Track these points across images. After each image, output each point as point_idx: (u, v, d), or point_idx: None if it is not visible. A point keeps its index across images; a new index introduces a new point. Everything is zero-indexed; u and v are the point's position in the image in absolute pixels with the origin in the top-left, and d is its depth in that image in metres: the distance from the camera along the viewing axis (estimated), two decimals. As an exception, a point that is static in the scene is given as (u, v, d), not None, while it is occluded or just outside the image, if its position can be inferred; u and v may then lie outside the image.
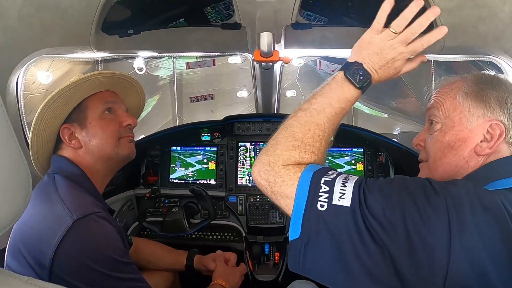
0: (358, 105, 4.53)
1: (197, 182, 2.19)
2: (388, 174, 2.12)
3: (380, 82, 1.04)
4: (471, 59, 1.72)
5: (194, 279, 1.77)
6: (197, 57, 3.89)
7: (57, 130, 1.30)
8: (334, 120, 0.98)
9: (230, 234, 2.14)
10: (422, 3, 0.98)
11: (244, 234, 2.07)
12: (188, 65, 4.24)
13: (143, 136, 2.24)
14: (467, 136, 0.97)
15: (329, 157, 2.16)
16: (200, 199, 1.91)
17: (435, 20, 1.37)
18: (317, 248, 0.80)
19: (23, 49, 1.34)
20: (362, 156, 2.17)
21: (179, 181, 2.20)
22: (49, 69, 3.31)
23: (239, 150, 2.24)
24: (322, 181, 0.83)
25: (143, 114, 1.82)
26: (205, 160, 2.23)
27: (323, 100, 0.97)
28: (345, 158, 2.17)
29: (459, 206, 0.75)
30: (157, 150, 2.24)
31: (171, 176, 2.21)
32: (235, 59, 3.70)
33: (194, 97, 4.34)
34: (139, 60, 3.65)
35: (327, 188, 0.81)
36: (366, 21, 1.54)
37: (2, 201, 0.56)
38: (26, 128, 1.66)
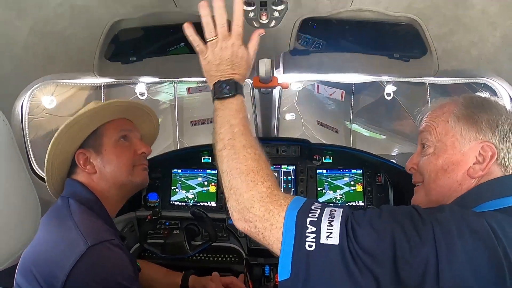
0: (356, 127, 4.61)
1: (198, 204, 2.20)
2: (387, 195, 2.14)
3: (246, 75, 1.10)
4: (465, 81, 1.77)
5: None
6: (197, 82, 3.98)
7: (73, 155, 1.32)
8: (247, 132, 1.01)
9: (230, 256, 2.12)
10: (203, 4, 1.05)
11: (244, 256, 2.06)
12: (189, 90, 4.33)
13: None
14: (460, 159, 0.98)
15: (329, 179, 2.18)
16: (200, 222, 1.91)
17: (429, 45, 1.44)
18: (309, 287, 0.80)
19: (28, 76, 1.39)
20: (361, 177, 2.19)
21: (180, 204, 2.21)
22: (53, 93, 3.39)
23: (240, 172, 2.25)
24: (308, 221, 0.82)
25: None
26: (205, 183, 2.24)
27: (226, 128, 1.01)
28: (345, 179, 2.19)
29: (446, 233, 0.77)
30: (158, 172, 2.26)
31: (172, 199, 2.22)
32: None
33: (195, 120, 4.41)
34: (141, 85, 3.73)
35: (314, 229, 0.81)
36: (360, 47, 1.61)
37: (13, 228, 0.57)
38: (31, 152, 1.70)
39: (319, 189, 2.16)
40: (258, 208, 0.88)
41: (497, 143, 0.96)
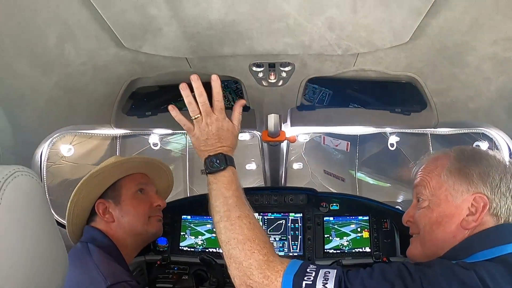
0: (362, 176, 4.65)
1: (207, 250, 2.21)
2: (393, 240, 2.13)
3: (234, 145, 1.18)
4: (465, 131, 1.81)
5: None
6: (208, 133, 4.13)
7: (93, 204, 1.43)
8: (240, 203, 1.08)
9: (238, 303, 2.09)
10: (183, 85, 1.16)
11: (252, 304, 2.03)
12: (199, 140, 4.47)
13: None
14: (453, 212, 1.02)
15: (336, 226, 2.20)
16: (209, 267, 1.93)
17: (429, 100, 1.53)
18: None
19: (49, 126, 1.48)
20: (368, 224, 2.21)
21: (188, 249, 2.23)
22: (71, 142, 3.57)
23: (248, 219, 2.28)
24: (303, 285, 0.88)
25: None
26: (214, 229, 2.27)
27: (221, 201, 1.08)
28: (351, 226, 2.21)
29: (435, 286, 0.81)
30: (168, 218, 2.31)
31: (181, 244, 2.24)
32: (244, 136, 3.90)
33: (205, 169, 4.49)
34: (154, 136, 3.88)
35: None
36: (363, 102, 1.71)
37: (41, 279, 0.60)
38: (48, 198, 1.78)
39: (326, 236, 2.18)
40: (257, 275, 0.95)
41: (489, 193, 0.99)
